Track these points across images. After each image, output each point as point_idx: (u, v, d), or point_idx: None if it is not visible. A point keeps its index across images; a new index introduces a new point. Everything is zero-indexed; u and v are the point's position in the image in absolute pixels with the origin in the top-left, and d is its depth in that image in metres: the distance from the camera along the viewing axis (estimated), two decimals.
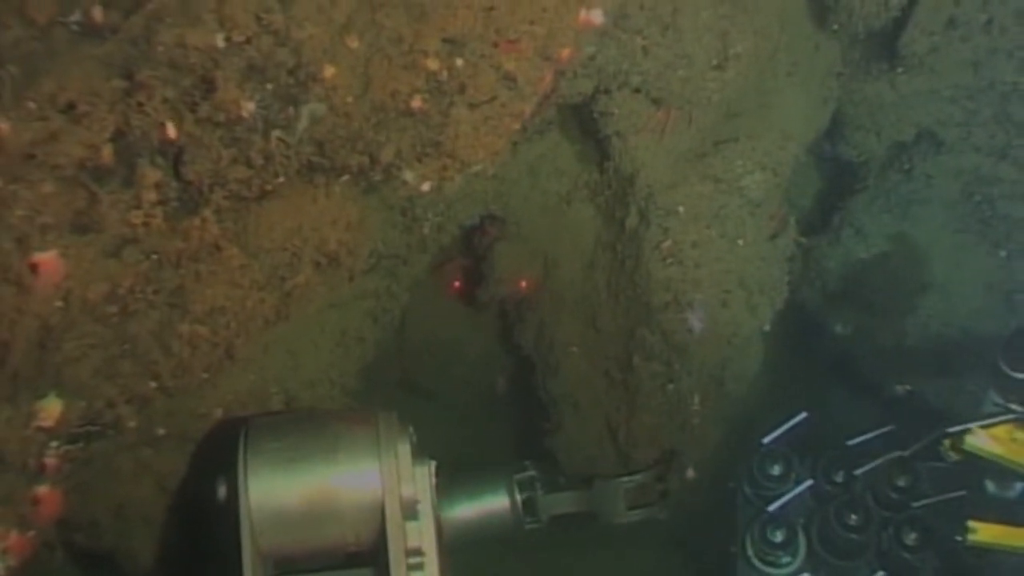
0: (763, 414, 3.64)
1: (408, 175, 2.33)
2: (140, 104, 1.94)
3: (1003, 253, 3.51)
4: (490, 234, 3.31)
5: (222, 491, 2.43)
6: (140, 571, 2.88)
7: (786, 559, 2.95)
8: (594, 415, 3.38)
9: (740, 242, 3.22)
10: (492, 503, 3.19)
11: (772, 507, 2.98)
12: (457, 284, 3.65)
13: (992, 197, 3.48)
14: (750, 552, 2.97)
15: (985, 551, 2.73)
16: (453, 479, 3.15)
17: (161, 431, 2.56)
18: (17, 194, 1.83)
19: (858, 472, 3.01)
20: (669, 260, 3.11)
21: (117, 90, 1.92)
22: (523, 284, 3.39)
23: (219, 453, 2.50)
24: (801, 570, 2.93)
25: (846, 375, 3.75)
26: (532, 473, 3.23)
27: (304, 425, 2.49)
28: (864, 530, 2.91)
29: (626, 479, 3.27)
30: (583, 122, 3.18)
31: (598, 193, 3.25)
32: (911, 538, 2.87)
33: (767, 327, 3.38)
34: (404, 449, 2.45)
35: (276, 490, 2.38)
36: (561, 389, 3.39)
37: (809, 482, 3.01)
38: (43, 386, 2.10)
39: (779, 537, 2.92)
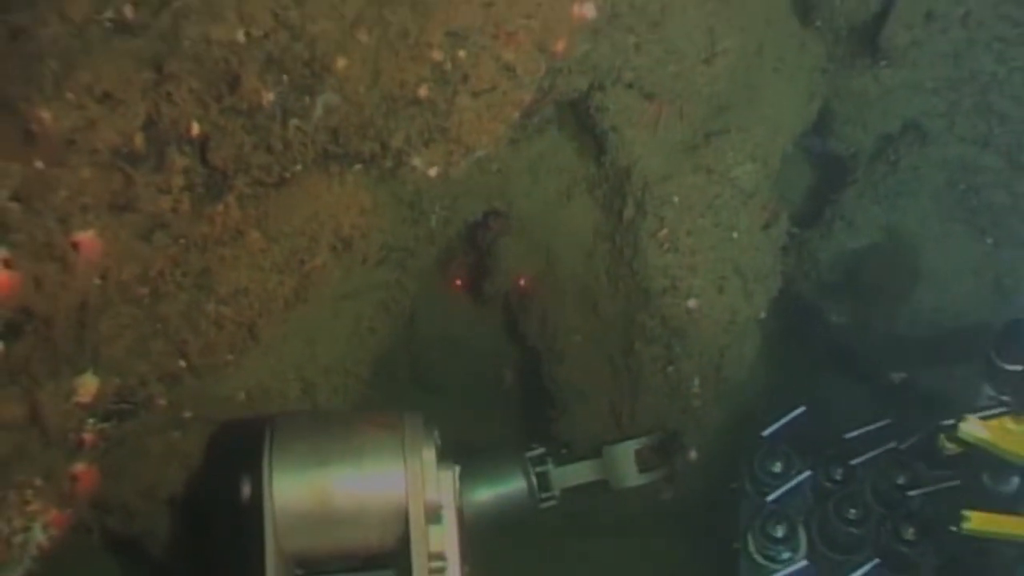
0: (762, 403, 3.76)
1: (416, 160, 2.46)
2: (169, 94, 2.08)
3: (990, 240, 3.61)
4: (493, 229, 3.42)
5: (246, 491, 2.48)
6: (167, 557, 2.98)
7: (787, 554, 3.04)
8: (598, 400, 3.49)
9: (735, 234, 3.32)
10: (509, 485, 3.31)
11: (771, 497, 3.08)
12: (459, 282, 3.74)
13: (977, 186, 3.57)
14: (752, 548, 3.07)
15: (980, 540, 2.79)
16: (467, 466, 3.26)
17: (188, 414, 2.68)
18: (60, 177, 1.96)
19: (854, 463, 3.12)
20: (666, 247, 3.23)
21: (148, 81, 2.06)
22: (522, 281, 3.51)
23: (242, 451, 2.55)
24: (801, 564, 3.02)
25: (842, 364, 3.83)
26: (542, 450, 3.33)
27: (329, 427, 2.53)
28: (863, 524, 2.99)
29: (633, 441, 3.40)
30: (580, 119, 3.30)
31: (596, 187, 3.37)
32: (909, 532, 2.95)
33: (763, 314, 3.48)
34: (429, 454, 2.47)
35: (300, 492, 2.41)
36: (566, 376, 3.50)
37: (808, 473, 3.11)
38: (82, 363, 2.22)
39: (780, 532, 3.01)
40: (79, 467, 2.38)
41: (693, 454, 3.43)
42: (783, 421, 3.19)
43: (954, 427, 2.76)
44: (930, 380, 3.62)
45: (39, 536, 2.29)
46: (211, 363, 2.46)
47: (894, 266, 3.67)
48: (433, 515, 2.44)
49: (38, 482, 2.28)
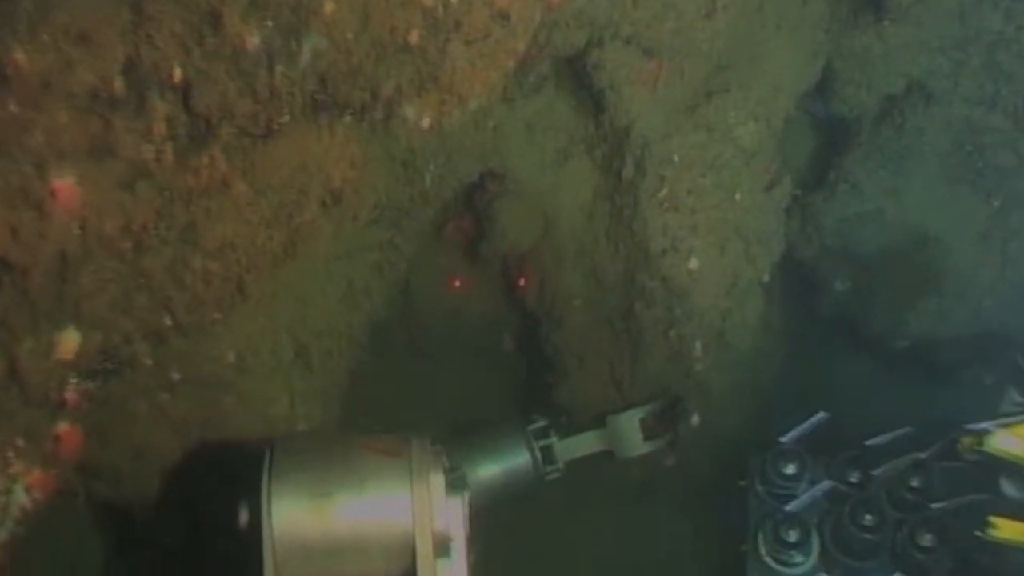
0: (767, 372, 3.72)
1: (408, 111, 2.40)
2: (149, 36, 2.02)
3: (996, 202, 3.54)
4: (490, 191, 3.37)
5: (244, 517, 2.38)
6: (156, 524, 2.94)
7: (799, 558, 2.96)
8: (598, 365, 3.44)
9: (737, 196, 3.27)
10: (513, 458, 3.27)
11: (790, 507, 3.00)
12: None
13: (983, 147, 3.51)
14: (762, 551, 2.99)
15: (1004, 549, 2.74)
16: (469, 441, 3.21)
17: (176, 375, 2.62)
18: (35, 120, 1.90)
19: (875, 472, 3.04)
20: (666, 206, 3.18)
21: (126, 22, 2.00)
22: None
23: (240, 472, 2.45)
24: (814, 570, 2.95)
25: (846, 331, 3.77)
26: (544, 423, 3.28)
27: (332, 450, 2.41)
28: (879, 531, 2.92)
29: (637, 410, 3.35)
30: (578, 77, 3.24)
31: (594, 147, 3.32)
32: (926, 539, 2.89)
33: (766, 278, 3.43)
34: (437, 480, 2.33)
35: (301, 521, 2.30)
36: (565, 341, 3.46)
37: (828, 483, 3.02)
38: (62, 318, 2.17)
39: (793, 537, 2.93)
40: (62, 427, 2.34)
41: (696, 419, 3.38)
42: (804, 427, 3.10)
43: (978, 436, 2.73)
44: (936, 348, 3.60)
45: (22, 498, 2.24)
46: (198, 321, 2.40)
47: (896, 231, 3.62)
48: (441, 547, 2.31)
49: (20, 442, 2.24)
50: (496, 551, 2.61)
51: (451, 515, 2.34)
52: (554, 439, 3.33)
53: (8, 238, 1.94)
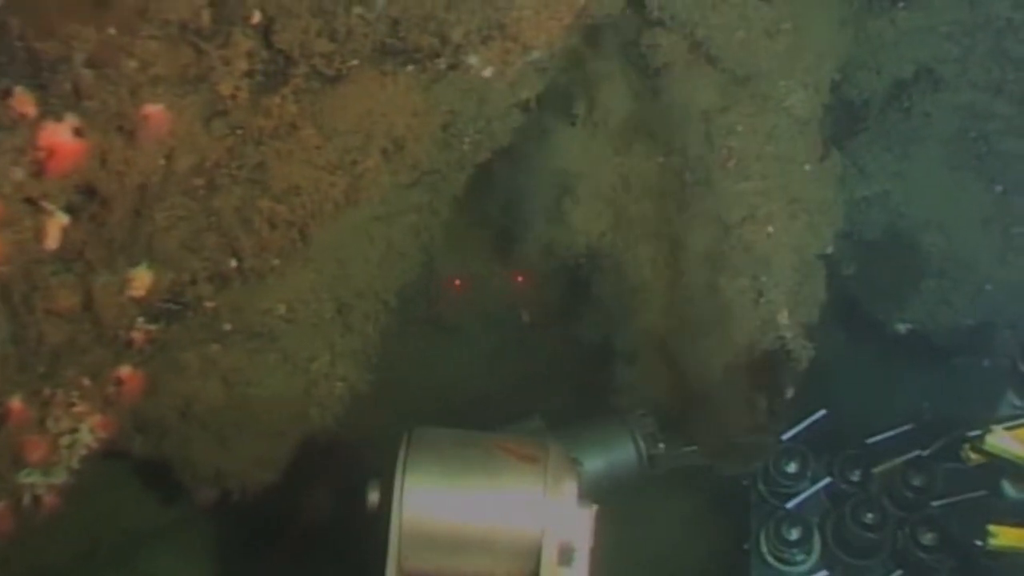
0: None
1: (473, 59, 2.42)
2: None
3: (999, 188, 3.60)
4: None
5: (374, 498, 2.33)
6: (197, 482, 2.93)
7: (801, 557, 3.00)
8: (680, 346, 3.37)
9: (804, 165, 3.23)
10: (620, 462, 3.20)
11: (790, 504, 3.04)
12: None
13: (987, 133, 3.56)
14: (764, 549, 3.03)
15: (1003, 555, 2.78)
16: (577, 438, 3.15)
17: (227, 326, 2.62)
18: (132, 45, 1.90)
19: (876, 471, 3.08)
20: (738, 175, 3.13)
21: None
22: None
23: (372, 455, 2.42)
24: (816, 568, 2.99)
25: (850, 315, 3.84)
26: (652, 429, 3.24)
27: (469, 446, 2.33)
28: (880, 529, 2.96)
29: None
30: (632, 60, 3.24)
31: (655, 129, 3.30)
32: (927, 538, 2.92)
33: (829, 249, 3.35)
34: (571, 489, 2.27)
35: (432, 511, 2.23)
36: (644, 327, 3.41)
37: (827, 480, 3.06)
38: (136, 254, 2.16)
39: (794, 535, 2.97)
40: (124, 371, 2.31)
41: (790, 392, 3.22)
42: (804, 424, 3.13)
43: (980, 437, 2.76)
44: (938, 332, 3.67)
45: (87, 438, 2.22)
46: (261, 265, 2.40)
47: (901, 215, 3.69)
48: (566, 556, 2.23)
49: (85, 382, 2.22)
50: None
51: (581, 526, 2.28)
52: (660, 448, 3.23)
53: (97, 164, 1.93)
